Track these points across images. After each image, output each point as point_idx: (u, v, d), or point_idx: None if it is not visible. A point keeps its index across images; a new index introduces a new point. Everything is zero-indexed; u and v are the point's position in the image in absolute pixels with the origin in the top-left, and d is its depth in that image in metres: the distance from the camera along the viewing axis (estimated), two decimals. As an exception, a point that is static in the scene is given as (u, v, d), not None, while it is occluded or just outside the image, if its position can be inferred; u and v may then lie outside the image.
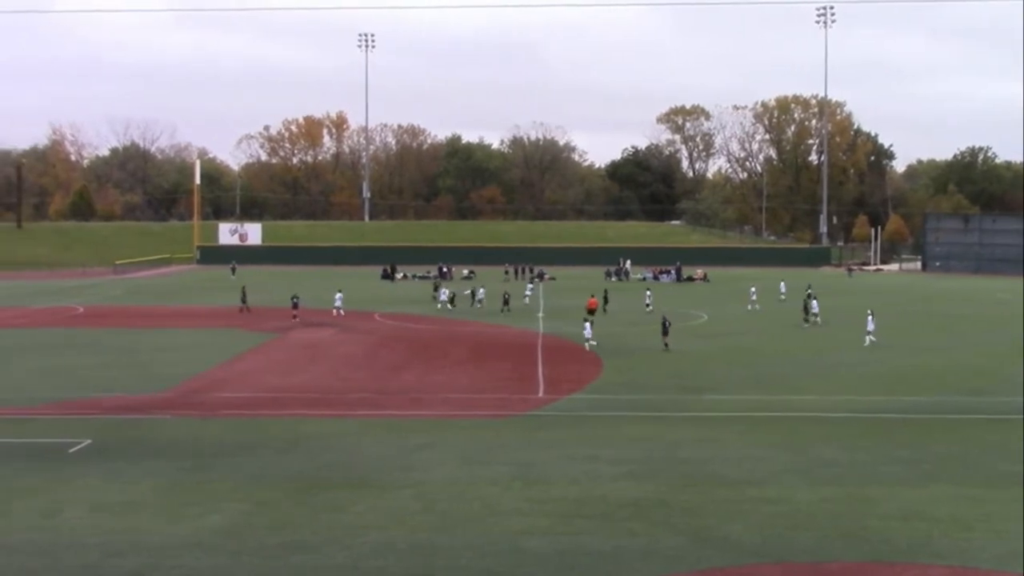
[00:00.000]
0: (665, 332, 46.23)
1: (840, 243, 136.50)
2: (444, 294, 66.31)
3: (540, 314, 60.30)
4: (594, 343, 45.57)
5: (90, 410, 32.17)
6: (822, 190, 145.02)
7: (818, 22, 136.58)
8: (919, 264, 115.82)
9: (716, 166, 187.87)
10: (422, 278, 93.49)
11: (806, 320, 55.22)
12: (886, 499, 22.17)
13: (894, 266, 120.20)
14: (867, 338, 47.03)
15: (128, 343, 48.85)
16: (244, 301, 61.93)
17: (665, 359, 43.44)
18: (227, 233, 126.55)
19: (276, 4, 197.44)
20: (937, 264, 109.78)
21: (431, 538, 19.64)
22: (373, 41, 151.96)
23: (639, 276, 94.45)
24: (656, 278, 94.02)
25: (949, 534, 19.91)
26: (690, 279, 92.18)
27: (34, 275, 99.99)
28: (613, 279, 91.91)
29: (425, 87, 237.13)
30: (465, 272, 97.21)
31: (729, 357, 44.33)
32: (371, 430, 29.50)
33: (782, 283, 71.72)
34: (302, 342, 49.08)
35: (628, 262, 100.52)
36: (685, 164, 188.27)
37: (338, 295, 61.04)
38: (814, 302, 55.43)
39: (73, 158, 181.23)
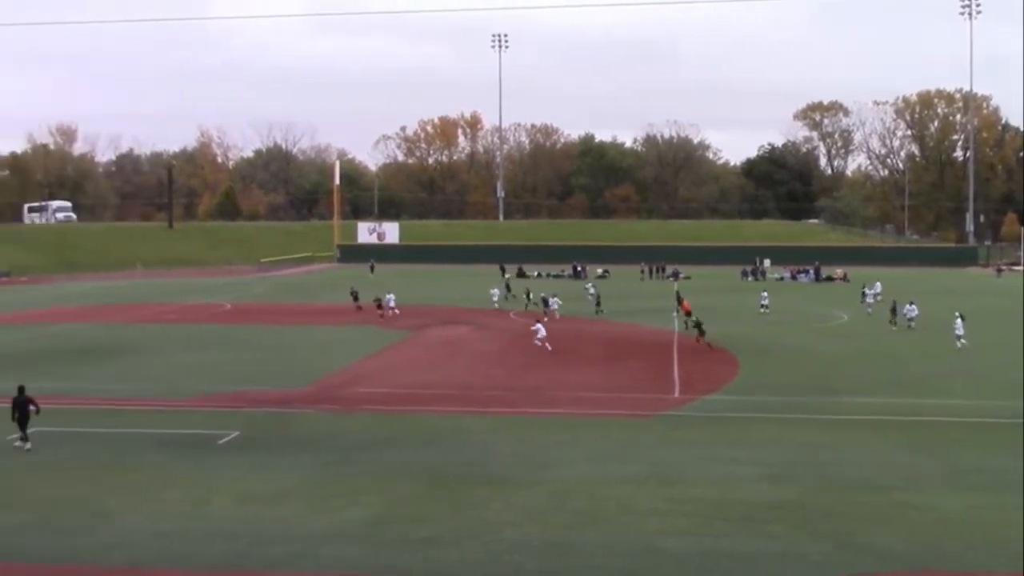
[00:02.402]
0: (702, 334, 46.04)
1: (988, 242, 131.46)
2: (496, 294, 65.92)
3: (675, 313, 59.68)
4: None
5: (237, 403, 33.22)
6: (968, 187, 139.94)
7: (962, 14, 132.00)
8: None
9: (855, 163, 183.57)
10: (556, 277, 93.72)
11: (893, 323, 52.88)
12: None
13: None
14: (958, 342, 44.85)
15: (272, 339, 50.31)
16: (356, 299, 62.61)
17: (803, 360, 42.52)
18: (366, 232, 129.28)
19: (411, 7, 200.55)
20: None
21: (566, 536, 19.64)
22: (507, 41, 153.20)
23: (776, 276, 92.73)
24: (794, 278, 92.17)
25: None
26: (829, 279, 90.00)
27: (184, 273, 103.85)
28: (750, 278, 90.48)
29: (558, 86, 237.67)
30: (599, 271, 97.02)
31: (869, 358, 43.14)
32: (506, 427, 29.69)
33: (877, 283, 66.99)
34: (439, 339, 49.73)
35: (766, 261, 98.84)
36: (823, 161, 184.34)
37: (389, 296, 61.37)
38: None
39: (220, 160, 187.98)
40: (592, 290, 69.39)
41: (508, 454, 26.27)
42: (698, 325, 47.34)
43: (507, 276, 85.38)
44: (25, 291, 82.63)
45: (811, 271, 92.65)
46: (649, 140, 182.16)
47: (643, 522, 20.44)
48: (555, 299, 58.84)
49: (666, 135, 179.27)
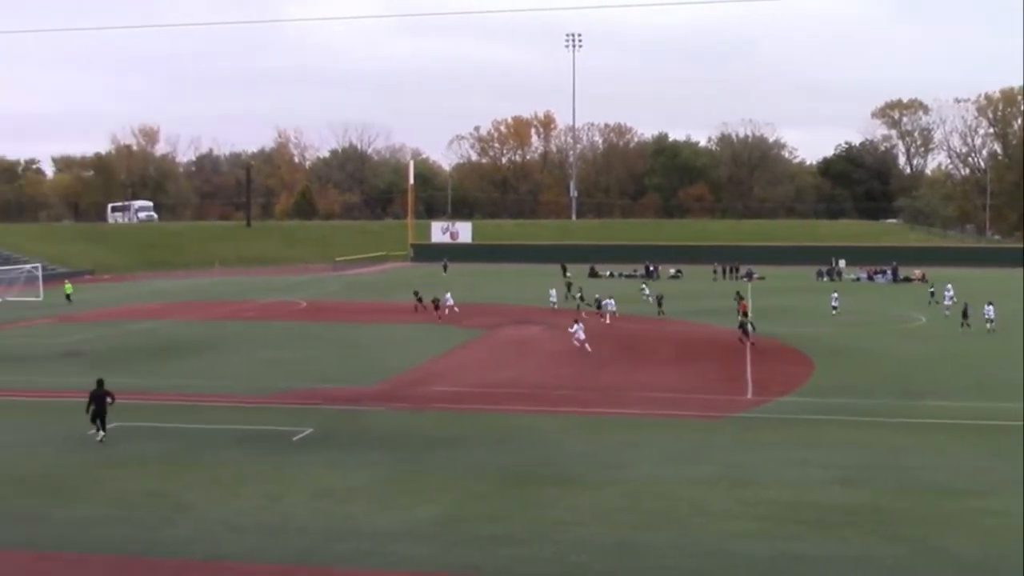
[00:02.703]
0: (746, 334, 46.14)
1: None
2: (555, 294, 65.41)
3: (749, 314, 59.08)
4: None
5: (312, 400, 33.65)
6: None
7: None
8: None
9: (935, 162, 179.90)
10: (629, 276, 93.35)
11: (965, 324, 51.52)
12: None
13: None
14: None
15: (346, 337, 50.87)
16: (419, 299, 62.57)
17: (879, 362, 41.82)
18: (439, 231, 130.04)
19: (486, 7, 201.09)
20: None
21: (637, 536, 19.57)
22: (580, 41, 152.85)
23: (853, 276, 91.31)
24: (871, 278, 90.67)
25: None
26: (907, 280, 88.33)
27: (261, 271, 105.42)
28: (825, 279, 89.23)
29: (632, 86, 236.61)
30: (672, 271, 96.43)
31: (947, 361, 42.31)
32: (577, 427, 29.67)
33: (949, 285, 64.72)
34: (510, 339, 49.84)
35: (841, 262, 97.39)
36: (902, 160, 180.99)
37: (447, 295, 61.79)
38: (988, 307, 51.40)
39: (297, 160, 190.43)
40: (647, 291, 69.13)
41: (579, 453, 26.25)
42: (742, 325, 47.13)
43: (569, 275, 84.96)
44: (108, 289, 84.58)
45: (888, 272, 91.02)
46: (724, 139, 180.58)
47: (715, 524, 20.29)
48: (610, 300, 58.19)
49: (741, 134, 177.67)
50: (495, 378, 38.30)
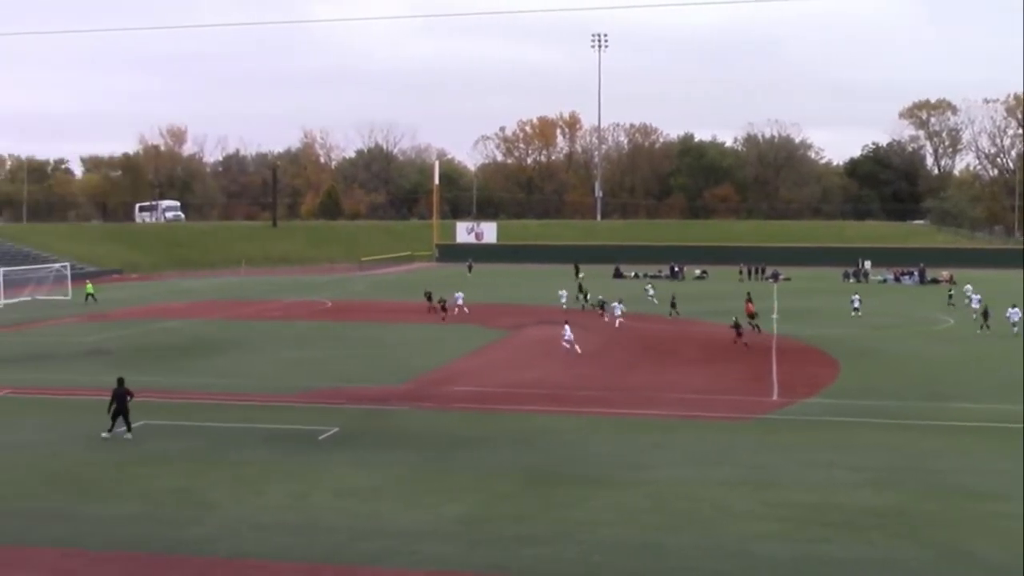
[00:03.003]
0: (739, 333, 46.31)
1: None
2: (564, 295, 64.93)
3: (774, 316, 58.88)
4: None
5: (338, 399, 33.75)
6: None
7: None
8: None
9: (964, 163, 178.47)
10: (654, 277, 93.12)
11: (984, 327, 51.09)
12: None
13: None
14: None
15: (372, 336, 51.00)
16: (430, 299, 61.99)
17: (906, 364, 41.53)
18: (464, 232, 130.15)
19: (511, 7, 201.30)
20: None
21: (660, 537, 19.52)
22: (606, 41, 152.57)
23: (879, 278, 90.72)
24: (898, 280, 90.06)
25: None
26: (935, 281, 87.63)
27: (287, 270, 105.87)
28: (851, 280, 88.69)
29: (657, 86, 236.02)
30: (697, 272, 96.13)
31: (974, 363, 41.97)
32: (602, 427, 29.62)
33: (968, 286, 63.12)
34: (535, 339, 49.79)
35: (867, 263, 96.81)
36: (930, 161, 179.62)
37: (458, 295, 62.16)
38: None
39: (322, 160, 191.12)
40: (651, 291, 68.69)
41: (604, 454, 26.21)
42: (736, 324, 46.91)
43: (581, 276, 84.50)
44: (136, 288, 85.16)
45: (916, 273, 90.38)
46: (749, 139, 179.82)
47: (739, 525, 20.20)
48: (619, 304, 56.11)
49: (767, 134, 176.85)
50: (519, 378, 38.29)
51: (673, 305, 59.81)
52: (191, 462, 25.37)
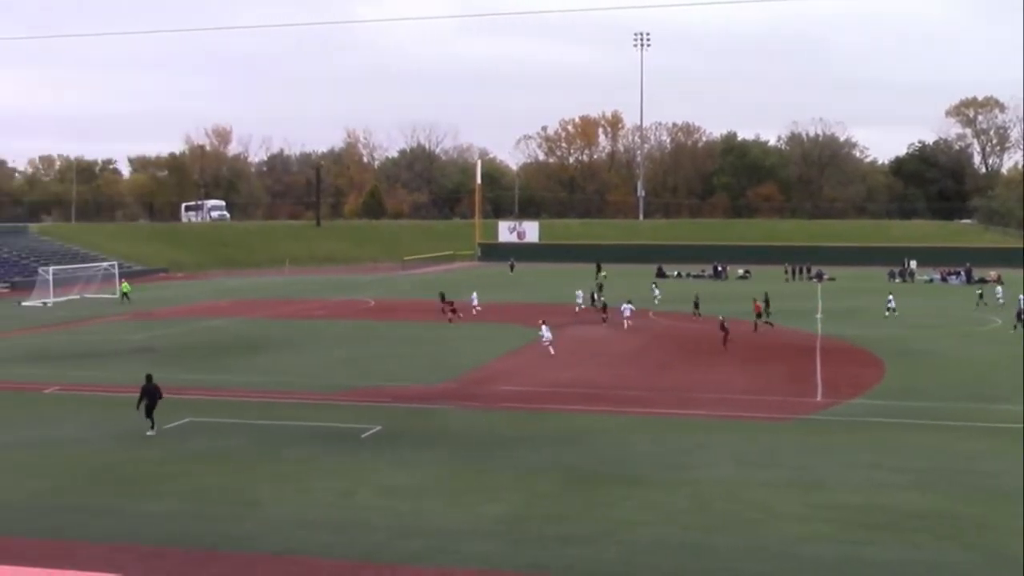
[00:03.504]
0: (726, 332, 46.10)
1: None
2: (581, 296, 63.80)
3: (819, 315, 58.40)
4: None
5: (381, 398, 33.92)
6: None
7: None
8: None
9: (1011, 161, 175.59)
10: (696, 277, 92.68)
11: (1016, 327, 50.25)
12: None
13: None
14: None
15: (414, 335, 51.17)
16: (443, 299, 61.43)
17: (952, 365, 41.03)
18: (506, 231, 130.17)
19: (554, 6, 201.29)
20: None
21: (704, 538, 19.44)
22: (648, 40, 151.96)
23: (925, 278, 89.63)
24: (944, 280, 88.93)
25: None
26: (982, 281, 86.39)
27: (331, 270, 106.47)
28: (897, 280, 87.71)
29: (700, 84, 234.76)
30: (740, 272, 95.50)
31: (1020, 365, 41.27)
32: (644, 427, 29.54)
33: (999, 287, 61.91)
34: (576, 338, 49.73)
35: (913, 263, 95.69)
36: (977, 159, 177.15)
37: (473, 295, 62.61)
38: None
39: (366, 160, 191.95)
40: (657, 292, 68.27)
41: (646, 454, 26.14)
42: (722, 326, 46.72)
43: (602, 275, 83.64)
44: (182, 287, 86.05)
45: (962, 273, 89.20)
46: (793, 138, 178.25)
47: (783, 526, 20.08)
48: (628, 305, 54.88)
49: (811, 133, 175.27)
50: (560, 378, 38.25)
51: (696, 306, 59.14)
52: (236, 459, 25.62)
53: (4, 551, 18.60)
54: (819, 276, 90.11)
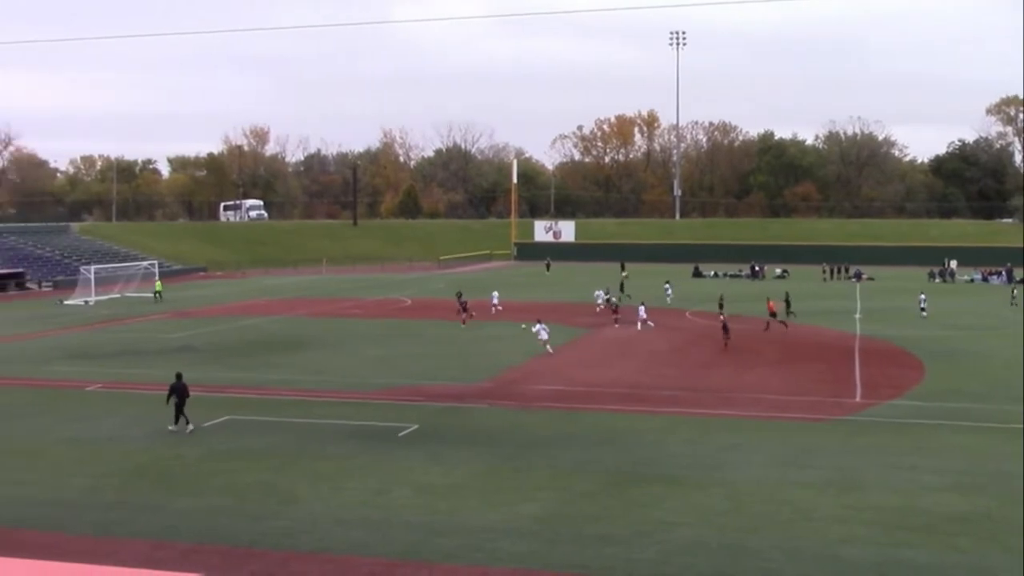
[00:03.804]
0: (727, 333, 45.96)
1: None
2: (601, 296, 62.45)
3: (857, 315, 57.91)
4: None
5: (417, 397, 33.99)
6: None
7: None
8: None
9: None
10: (734, 276, 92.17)
11: None
12: None
13: None
14: None
15: (450, 334, 51.24)
16: (460, 298, 60.73)
17: (994, 366, 40.51)
18: (542, 230, 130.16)
19: (590, 5, 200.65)
20: None
21: (741, 539, 19.33)
22: (684, 39, 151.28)
23: (967, 278, 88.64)
24: (985, 279, 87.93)
25: None
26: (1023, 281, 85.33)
27: (367, 269, 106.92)
28: (937, 280, 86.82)
29: (737, 83, 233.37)
30: (778, 271, 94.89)
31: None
32: (681, 427, 29.41)
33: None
34: (613, 338, 49.63)
35: (954, 262, 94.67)
36: (1018, 158, 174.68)
37: (494, 294, 62.94)
38: None
39: (402, 159, 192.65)
40: (670, 291, 67.77)
41: (683, 454, 26.04)
42: (724, 326, 46.49)
43: (625, 274, 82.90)
44: (220, 285, 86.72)
45: (1003, 273, 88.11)
46: (831, 137, 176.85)
47: (821, 528, 19.92)
48: (642, 307, 54.24)
49: (849, 132, 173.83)
50: (597, 377, 38.17)
51: (721, 306, 58.46)
52: (274, 457, 25.77)
53: (45, 547, 18.79)
54: (857, 276, 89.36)
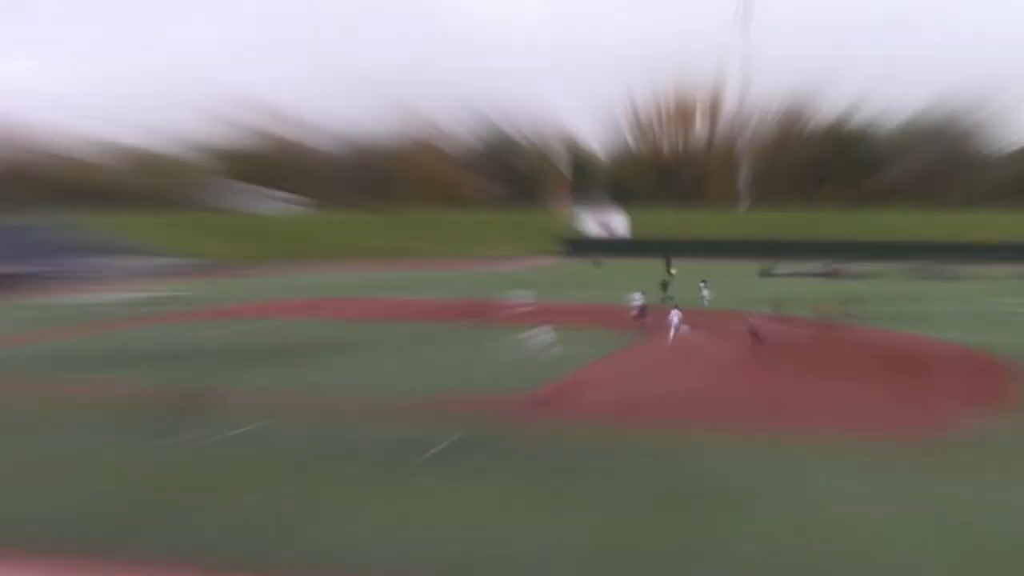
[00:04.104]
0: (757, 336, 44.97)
1: None
2: (637, 298, 58.29)
3: (950, 320, 56.37)
4: None
5: (456, 407, 33.38)
6: None
7: None
8: None
9: None
10: (812, 276, 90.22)
11: None
12: None
13: None
14: None
15: (495, 338, 50.44)
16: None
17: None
18: (593, 224, 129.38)
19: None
20: None
21: (808, 569, 18.62)
22: (752, 16, 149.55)
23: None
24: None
25: None
26: None
27: (408, 264, 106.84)
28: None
29: (809, 66, 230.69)
30: (860, 270, 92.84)
31: None
32: (745, 444, 28.41)
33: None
34: (664, 346, 48.49)
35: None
36: None
37: (525, 294, 63.03)
38: None
39: (443, 149, 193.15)
40: (706, 292, 66.66)
41: (746, 474, 25.13)
42: (753, 331, 45.58)
43: (673, 271, 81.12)
44: (255, 282, 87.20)
45: None
46: (916, 121, 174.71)
47: (909, 566, 18.98)
48: (675, 312, 51.44)
49: (937, 115, 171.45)
50: (653, 388, 37.20)
51: (779, 308, 57.27)
52: (301, 469, 25.40)
53: (63, 561, 18.62)
54: (947, 276, 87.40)
